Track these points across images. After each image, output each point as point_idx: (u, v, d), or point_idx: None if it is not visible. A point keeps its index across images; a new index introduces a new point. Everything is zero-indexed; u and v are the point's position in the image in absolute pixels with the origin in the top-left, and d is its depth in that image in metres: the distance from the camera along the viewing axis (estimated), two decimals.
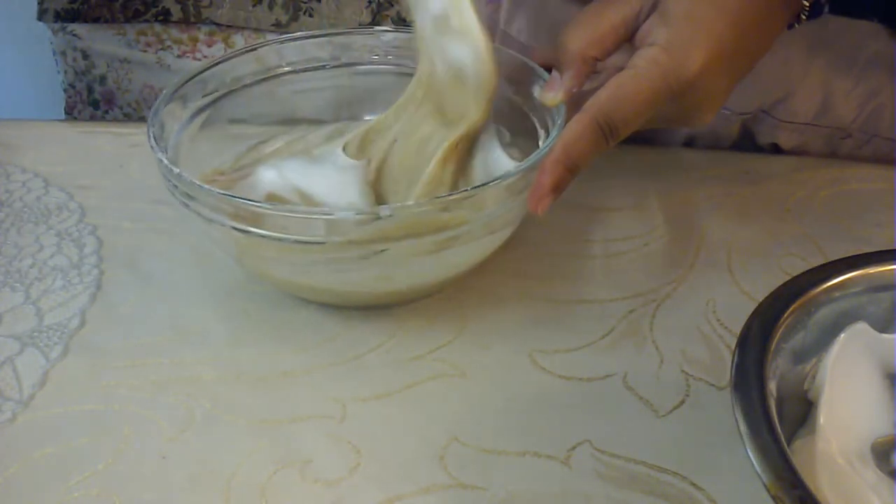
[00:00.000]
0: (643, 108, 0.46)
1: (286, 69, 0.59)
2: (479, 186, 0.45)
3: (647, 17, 0.47)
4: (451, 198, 0.45)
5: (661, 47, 0.45)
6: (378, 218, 0.44)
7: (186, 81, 0.54)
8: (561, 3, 0.65)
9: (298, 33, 0.59)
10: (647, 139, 0.68)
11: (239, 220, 0.45)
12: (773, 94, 0.64)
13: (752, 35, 0.46)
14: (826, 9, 0.50)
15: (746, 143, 0.68)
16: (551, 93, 0.50)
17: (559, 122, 0.49)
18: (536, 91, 0.53)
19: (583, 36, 0.48)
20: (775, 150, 0.67)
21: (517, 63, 0.55)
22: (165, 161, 0.47)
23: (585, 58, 0.49)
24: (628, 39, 0.48)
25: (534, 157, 0.46)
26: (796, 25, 0.49)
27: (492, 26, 0.69)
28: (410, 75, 0.54)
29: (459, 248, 0.47)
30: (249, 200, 0.45)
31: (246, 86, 0.58)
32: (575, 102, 0.48)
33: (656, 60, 0.45)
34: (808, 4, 0.48)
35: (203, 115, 0.55)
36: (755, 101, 0.64)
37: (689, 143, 0.69)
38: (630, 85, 0.45)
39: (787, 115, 0.65)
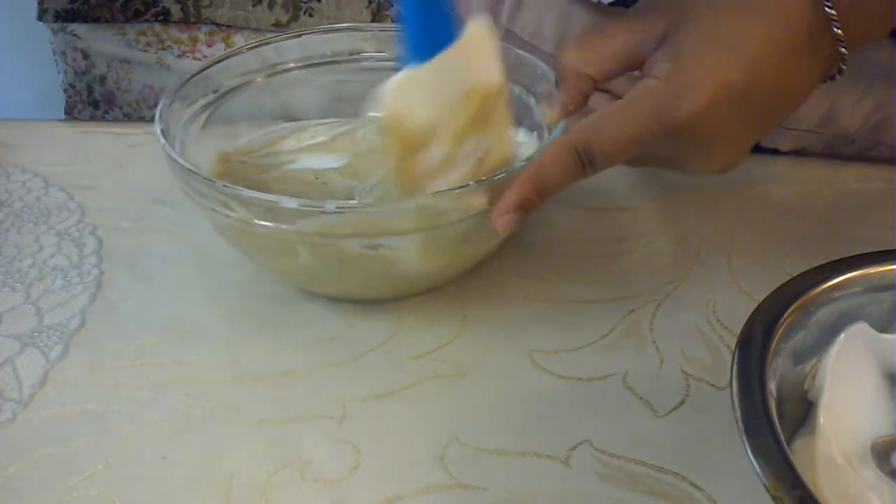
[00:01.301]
0: (627, 144, 0.43)
1: (288, 66, 0.59)
2: (428, 195, 0.44)
3: (655, 48, 0.45)
4: (400, 205, 0.45)
5: (660, 81, 0.43)
6: (322, 212, 0.44)
7: (189, 79, 0.54)
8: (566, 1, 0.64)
9: (300, 30, 0.59)
10: None
11: (224, 206, 0.46)
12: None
13: (771, 84, 0.43)
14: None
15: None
16: (547, 110, 0.48)
17: (549, 137, 0.48)
18: (540, 88, 0.52)
19: (579, 53, 0.47)
20: (773, 153, 0.67)
21: (523, 61, 0.55)
22: (173, 154, 0.48)
23: (580, 74, 0.46)
24: (635, 68, 0.46)
25: (498, 173, 0.45)
26: (838, 77, 0.45)
27: (496, 23, 0.69)
28: None
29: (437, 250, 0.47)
30: (229, 185, 0.45)
31: (249, 83, 0.58)
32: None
33: (651, 95, 0.43)
34: (846, 52, 0.43)
35: (206, 113, 0.56)
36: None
37: None
38: (618, 116, 0.43)
39: (789, 122, 0.63)
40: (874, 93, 0.61)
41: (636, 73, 0.47)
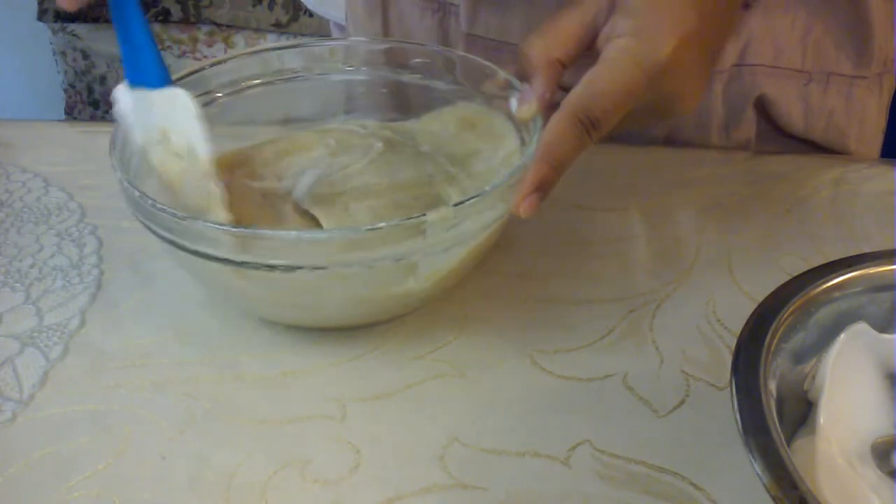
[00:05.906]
0: (621, 98, 0.45)
1: (285, 75, 0.59)
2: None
3: (607, 18, 0.47)
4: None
5: (629, 36, 0.46)
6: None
7: (182, 78, 0.54)
8: None
9: (298, 40, 0.59)
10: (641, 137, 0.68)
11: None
12: (737, 44, 0.63)
13: (715, 15, 0.47)
14: None
15: (734, 112, 0.66)
16: (525, 105, 0.49)
17: (535, 136, 0.48)
18: (513, 104, 0.52)
19: (544, 43, 0.48)
20: (762, 108, 0.66)
21: (490, 75, 0.55)
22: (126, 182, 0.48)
23: (551, 61, 0.48)
24: (592, 43, 0.48)
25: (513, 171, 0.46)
26: (752, 5, 0.50)
27: (444, 34, 0.69)
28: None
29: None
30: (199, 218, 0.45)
31: (244, 89, 0.58)
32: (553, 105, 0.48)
33: (627, 49, 0.45)
34: None
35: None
36: (728, 58, 0.64)
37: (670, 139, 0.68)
38: (605, 76, 0.45)
39: (758, 59, 0.64)
40: (798, 13, 0.62)
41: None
